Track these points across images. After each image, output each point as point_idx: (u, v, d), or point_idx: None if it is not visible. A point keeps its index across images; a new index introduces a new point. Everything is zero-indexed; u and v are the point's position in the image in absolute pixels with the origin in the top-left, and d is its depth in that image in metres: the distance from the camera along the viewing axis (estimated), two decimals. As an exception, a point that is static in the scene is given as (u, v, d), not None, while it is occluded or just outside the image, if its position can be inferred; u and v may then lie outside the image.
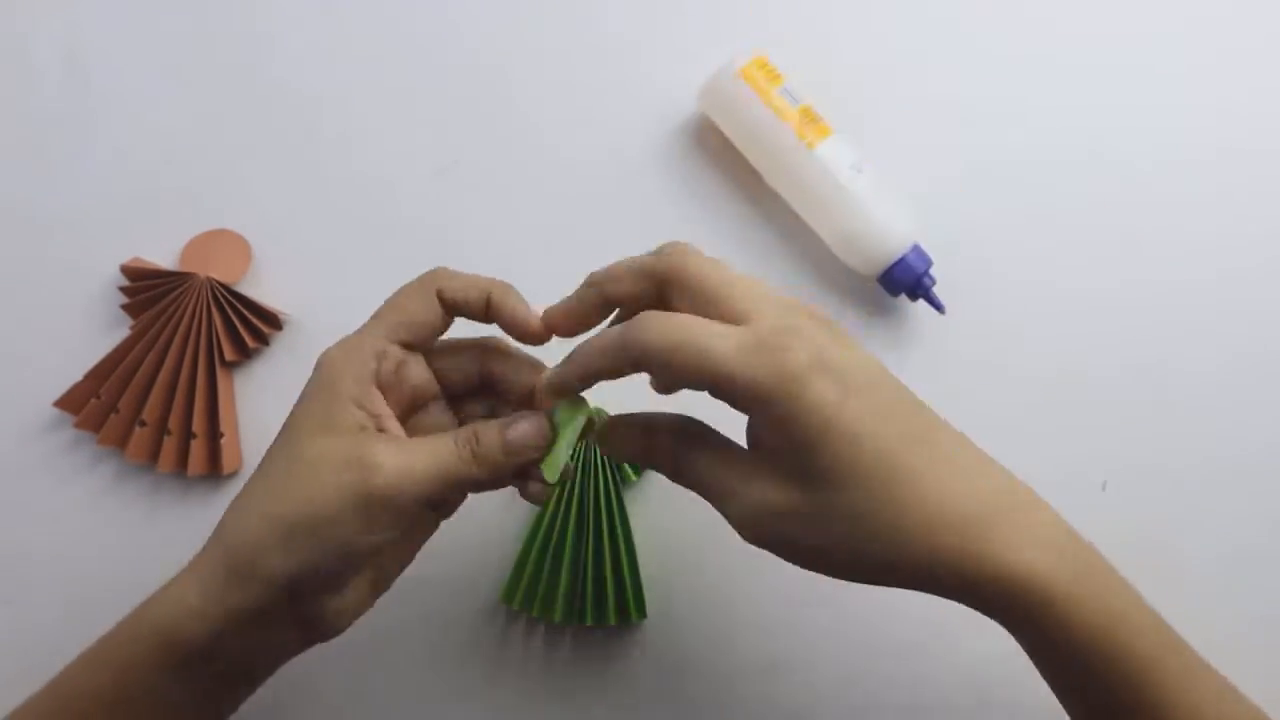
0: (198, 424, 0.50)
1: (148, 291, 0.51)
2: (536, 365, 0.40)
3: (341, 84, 0.54)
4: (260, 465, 0.37)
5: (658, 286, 0.36)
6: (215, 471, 0.50)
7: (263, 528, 0.36)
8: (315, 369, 0.38)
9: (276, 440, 0.38)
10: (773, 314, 0.33)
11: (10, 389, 0.51)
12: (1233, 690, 0.36)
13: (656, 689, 0.49)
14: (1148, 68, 0.54)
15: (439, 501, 0.39)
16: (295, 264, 0.53)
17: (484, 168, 0.54)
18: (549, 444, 0.37)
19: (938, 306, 0.50)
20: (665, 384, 0.35)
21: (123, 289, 0.51)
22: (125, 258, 0.52)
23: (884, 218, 0.49)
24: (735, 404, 0.33)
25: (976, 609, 0.34)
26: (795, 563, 0.35)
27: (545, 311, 0.39)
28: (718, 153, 0.53)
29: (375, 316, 0.39)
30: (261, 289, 0.52)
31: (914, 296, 0.50)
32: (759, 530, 0.34)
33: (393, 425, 0.37)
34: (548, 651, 0.49)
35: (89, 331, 0.52)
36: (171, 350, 0.50)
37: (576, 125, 0.54)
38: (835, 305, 0.52)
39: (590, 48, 0.55)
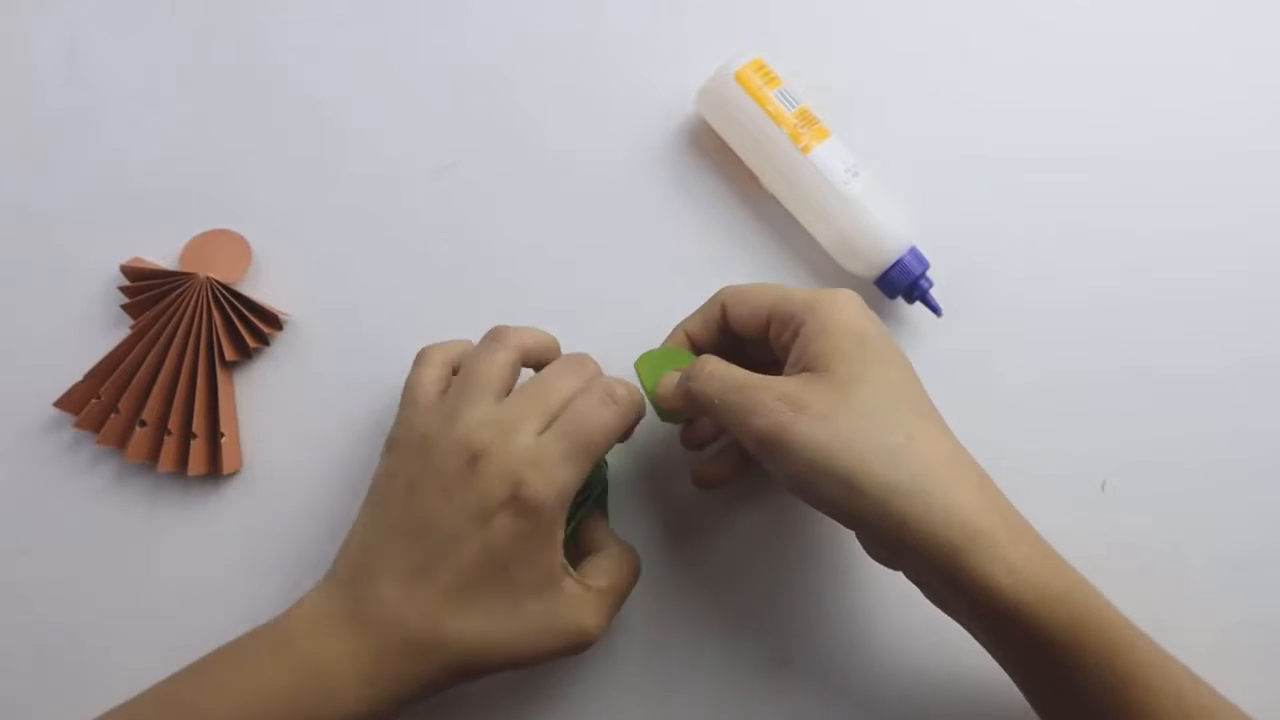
0: (198, 424, 0.50)
1: (147, 291, 0.51)
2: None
3: (342, 84, 0.55)
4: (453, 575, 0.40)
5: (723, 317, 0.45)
6: (215, 472, 0.50)
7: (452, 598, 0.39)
8: (526, 508, 0.40)
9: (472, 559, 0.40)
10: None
11: (10, 389, 0.51)
12: (1193, 680, 0.36)
13: (657, 688, 0.49)
14: (1147, 68, 0.54)
15: None
16: (295, 264, 0.53)
17: (482, 168, 0.54)
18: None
19: (935, 309, 0.50)
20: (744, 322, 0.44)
21: (122, 289, 0.51)
22: (125, 257, 0.52)
23: (881, 220, 0.50)
24: (792, 321, 0.41)
25: (933, 590, 0.37)
26: (797, 468, 0.37)
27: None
28: (715, 155, 0.53)
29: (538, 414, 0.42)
30: (262, 289, 0.52)
31: (911, 299, 0.50)
32: (774, 418, 0.38)
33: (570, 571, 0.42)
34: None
35: (89, 331, 0.52)
36: (171, 350, 0.50)
37: (575, 127, 0.54)
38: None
39: (589, 49, 0.55)
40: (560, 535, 0.40)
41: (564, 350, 0.47)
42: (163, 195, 0.53)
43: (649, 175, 0.54)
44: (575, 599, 0.40)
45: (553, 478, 0.39)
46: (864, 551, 0.41)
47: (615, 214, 0.53)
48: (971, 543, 0.35)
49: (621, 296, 0.52)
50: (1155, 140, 0.53)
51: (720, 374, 0.41)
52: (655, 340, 0.47)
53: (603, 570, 0.43)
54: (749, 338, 0.45)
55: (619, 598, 0.43)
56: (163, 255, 0.52)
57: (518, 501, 0.38)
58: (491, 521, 0.38)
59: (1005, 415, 0.51)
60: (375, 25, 0.55)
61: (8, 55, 0.55)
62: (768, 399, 0.38)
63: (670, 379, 0.44)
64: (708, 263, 0.53)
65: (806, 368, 0.40)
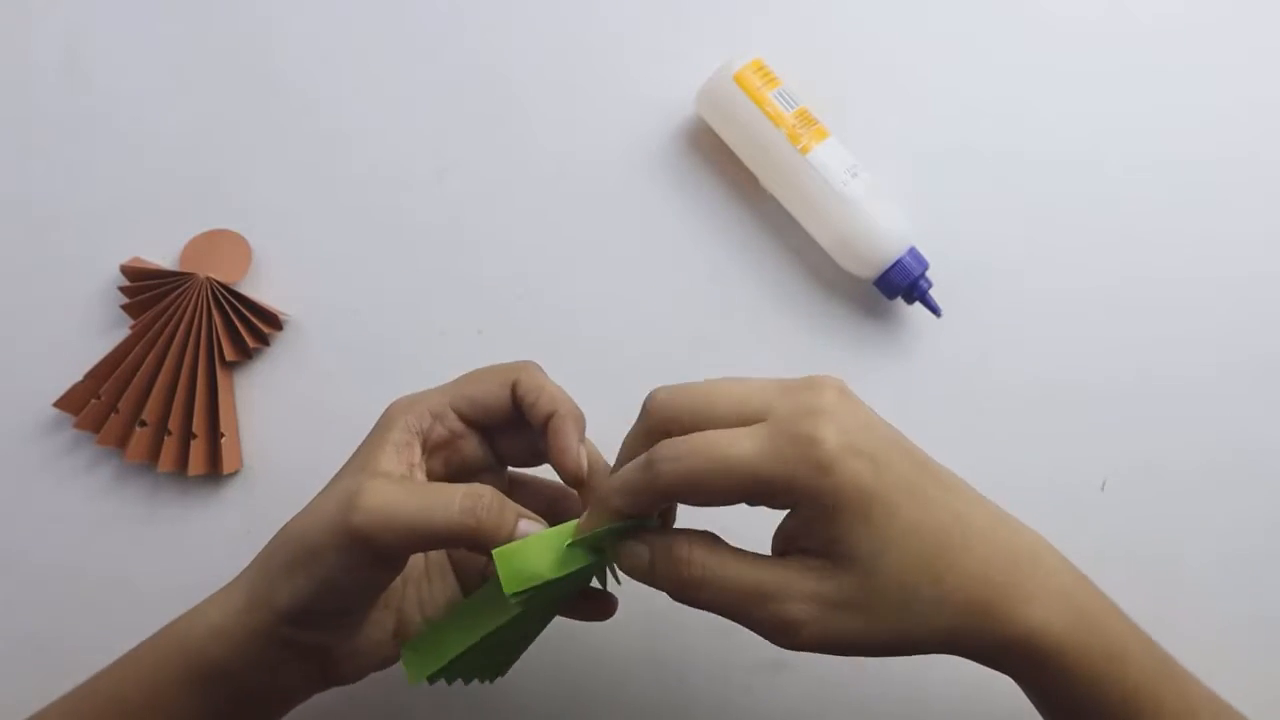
0: (198, 424, 0.50)
1: (148, 291, 0.51)
2: (569, 494, 0.42)
3: (342, 84, 0.55)
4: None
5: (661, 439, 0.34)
6: (215, 471, 0.50)
7: (280, 554, 0.36)
8: (382, 415, 0.40)
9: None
10: (782, 401, 0.33)
11: (10, 389, 0.51)
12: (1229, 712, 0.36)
13: (655, 686, 0.49)
14: (1145, 69, 0.54)
15: (433, 549, 0.39)
16: (295, 264, 0.53)
17: (483, 168, 0.54)
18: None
19: (934, 309, 0.50)
20: (702, 503, 0.33)
21: (122, 289, 0.52)
22: (125, 257, 0.52)
23: (880, 220, 0.50)
24: (773, 503, 0.33)
25: (986, 664, 0.34)
26: (836, 653, 0.34)
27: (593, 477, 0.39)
28: (714, 156, 0.53)
29: (448, 383, 0.40)
30: (262, 288, 0.52)
31: (910, 299, 0.50)
32: (810, 629, 0.33)
33: (419, 476, 0.38)
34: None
35: (89, 331, 0.52)
36: (171, 350, 0.50)
37: (574, 127, 0.54)
38: (832, 308, 0.52)
39: (588, 50, 0.55)
40: (392, 438, 0.38)
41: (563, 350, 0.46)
42: (163, 195, 0.53)
43: (648, 175, 0.54)
44: (374, 477, 0.36)
45: (415, 395, 0.40)
46: None
47: (614, 214, 0.53)
48: (1032, 661, 0.34)
49: (620, 295, 0.52)
50: (1155, 141, 0.54)
51: (716, 572, 0.33)
52: (654, 335, 0.47)
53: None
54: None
55: (419, 503, 0.34)
56: (163, 255, 0.52)
57: None
58: None
59: (1005, 415, 0.51)
60: (376, 26, 0.55)
61: (8, 55, 0.55)
62: (793, 608, 0.33)
63: (637, 553, 0.35)
64: (707, 263, 0.53)
65: (811, 551, 0.33)
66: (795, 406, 0.32)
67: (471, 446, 0.40)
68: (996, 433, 0.50)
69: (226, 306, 0.50)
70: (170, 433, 0.50)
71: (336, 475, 0.39)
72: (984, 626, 0.33)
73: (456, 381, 0.40)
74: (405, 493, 0.35)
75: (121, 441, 0.50)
